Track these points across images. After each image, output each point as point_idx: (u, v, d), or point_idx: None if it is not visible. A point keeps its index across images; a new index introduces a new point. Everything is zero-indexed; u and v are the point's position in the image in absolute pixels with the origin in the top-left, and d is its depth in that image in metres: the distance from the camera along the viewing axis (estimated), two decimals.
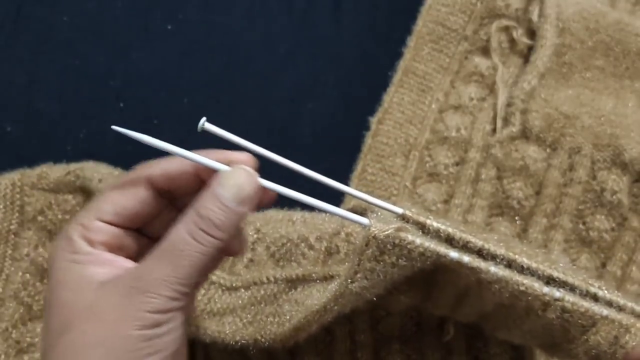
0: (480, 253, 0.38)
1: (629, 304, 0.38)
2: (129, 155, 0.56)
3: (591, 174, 0.53)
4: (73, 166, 0.54)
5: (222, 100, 0.59)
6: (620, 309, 0.38)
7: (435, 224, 0.39)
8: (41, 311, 0.53)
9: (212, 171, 0.42)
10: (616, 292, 0.38)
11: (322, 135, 0.57)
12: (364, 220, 0.39)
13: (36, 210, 0.53)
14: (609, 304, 0.38)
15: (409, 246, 0.37)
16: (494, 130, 0.55)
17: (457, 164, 0.54)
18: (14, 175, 0.54)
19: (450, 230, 0.38)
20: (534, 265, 0.38)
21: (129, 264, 0.42)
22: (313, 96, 0.58)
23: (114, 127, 0.43)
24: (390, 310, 0.49)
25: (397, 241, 0.37)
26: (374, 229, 0.38)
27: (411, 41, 0.57)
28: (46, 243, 0.53)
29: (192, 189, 0.43)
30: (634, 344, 0.38)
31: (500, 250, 0.38)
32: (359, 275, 0.39)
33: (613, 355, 0.38)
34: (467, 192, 0.54)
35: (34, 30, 0.60)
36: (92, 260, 0.42)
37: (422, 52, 0.57)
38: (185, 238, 0.40)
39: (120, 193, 0.43)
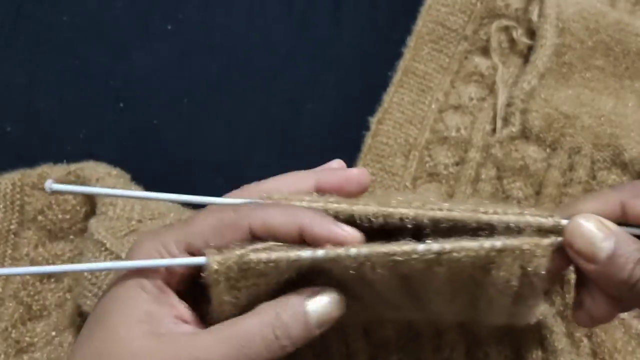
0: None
1: (529, 219, 0.36)
2: (129, 156, 0.57)
3: (591, 174, 0.53)
4: (74, 166, 0.54)
5: (222, 100, 0.59)
6: (520, 230, 0.36)
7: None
8: (41, 311, 0.53)
9: (321, 238, 0.39)
10: (515, 209, 0.37)
11: (322, 135, 0.58)
12: (200, 260, 0.38)
13: (36, 210, 0.54)
14: (507, 229, 0.36)
15: (258, 267, 0.37)
16: (494, 130, 0.55)
17: (457, 164, 0.55)
18: (15, 175, 0.54)
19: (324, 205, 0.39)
20: (411, 213, 0.37)
21: (188, 315, 0.41)
22: (313, 96, 0.59)
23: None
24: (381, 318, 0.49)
25: (243, 266, 0.37)
26: (213, 265, 0.37)
27: (411, 41, 0.58)
28: (46, 243, 0.54)
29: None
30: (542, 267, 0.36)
31: (372, 209, 0.38)
32: (224, 307, 0.39)
33: (535, 278, 0.37)
34: (467, 192, 0.54)
35: (33, 30, 0.60)
36: (156, 297, 0.40)
37: (422, 52, 0.57)
38: (259, 335, 0.38)
39: (217, 233, 0.40)
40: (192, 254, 0.40)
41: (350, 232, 0.39)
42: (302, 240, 0.40)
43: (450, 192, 0.54)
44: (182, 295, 0.42)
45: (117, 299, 0.40)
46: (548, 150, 0.54)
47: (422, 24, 0.58)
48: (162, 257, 0.40)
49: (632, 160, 0.52)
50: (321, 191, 0.42)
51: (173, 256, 0.40)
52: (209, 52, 0.60)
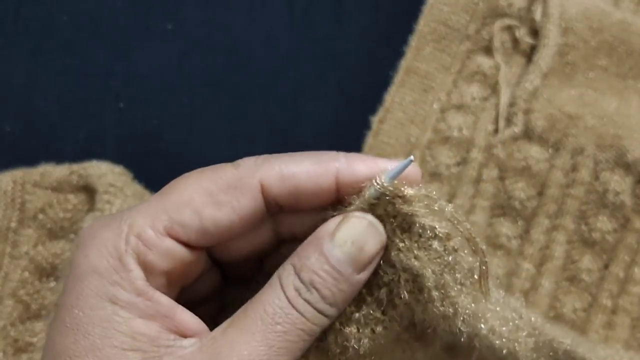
0: None
1: None
2: (129, 156, 0.57)
3: (594, 175, 0.54)
4: (76, 166, 0.55)
5: (222, 100, 0.59)
6: None
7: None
8: (40, 310, 0.53)
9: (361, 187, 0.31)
10: None
11: (323, 134, 0.58)
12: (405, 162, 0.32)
13: (37, 209, 0.54)
14: None
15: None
16: (496, 130, 0.55)
17: (458, 164, 0.55)
18: (16, 173, 0.55)
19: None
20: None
21: (192, 324, 0.31)
22: (314, 96, 0.59)
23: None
24: None
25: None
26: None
27: (413, 40, 0.58)
28: (46, 241, 0.54)
29: (320, 207, 0.32)
30: None
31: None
32: None
33: None
34: (468, 192, 0.54)
35: (33, 30, 0.61)
36: (142, 309, 0.30)
37: (424, 51, 0.58)
38: (284, 306, 0.29)
39: (214, 199, 0.30)
40: (176, 237, 0.30)
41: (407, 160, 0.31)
42: (336, 195, 0.31)
43: (452, 192, 0.55)
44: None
45: (83, 322, 0.29)
46: (551, 150, 0.54)
47: (424, 23, 0.58)
48: (129, 247, 0.30)
49: (635, 161, 0.53)
50: (342, 191, 0.32)
51: (147, 244, 0.30)
52: (209, 51, 0.60)
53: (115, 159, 0.56)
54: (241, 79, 0.60)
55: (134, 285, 0.30)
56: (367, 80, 0.59)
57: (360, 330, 0.33)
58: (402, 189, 0.32)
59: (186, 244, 0.31)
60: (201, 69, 0.60)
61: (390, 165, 0.31)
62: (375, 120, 0.57)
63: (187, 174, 0.32)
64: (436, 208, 0.32)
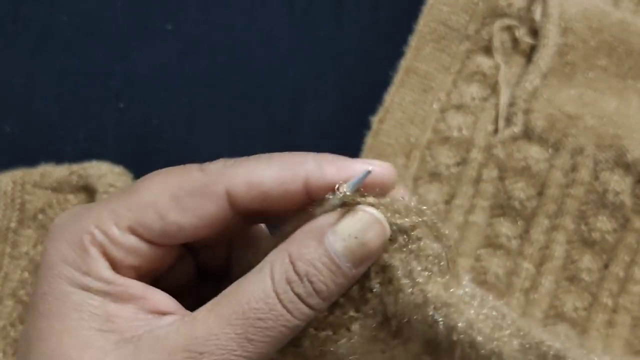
0: None
1: None
2: (129, 156, 0.57)
3: (594, 175, 0.54)
4: (76, 166, 0.55)
5: (222, 100, 0.60)
6: None
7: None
8: None
9: (331, 189, 0.31)
10: None
11: (323, 134, 0.59)
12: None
13: (37, 209, 0.54)
14: None
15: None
16: (496, 130, 0.55)
17: (458, 164, 0.55)
18: (16, 173, 0.55)
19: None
20: None
21: (168, 304, 0.31)
22: (314, 96, 0.59)
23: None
24: None
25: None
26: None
27: (413, 40, 0.58)
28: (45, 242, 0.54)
29: (293, 211, 0.31)
30: None
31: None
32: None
33: None
34: (468, 192, 0.55)
35: (33, 30, 0.61)
36: (114, 294, 0.30)
37: (424, 51, 0.58)
38: (270, 302, 0.29)
39: (178, 204, 0.30)
40: (140, 235, 0.30)
41: (382, 164, 0.31)
42: (307, 199, 0.31)
43: (452, 192, 0.55)
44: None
45: (56, 307, 0.29)
46: (550, 150, 0.54)
47: (424, 23, 0.58)
48: (96, 243, 0.30)
49: (635, 161, 0.53)
50: (313, 195, 0.31)
51: (112, 240, 0.30)
52: (209, 51, 0.60)
53: (115, 159, 0.56)
54: (241, 79, 0.60)
55: (102, 275, 0.30)
56: (367, 80, 0.59)
57: (336, 332, 0.32)
58: (364, 198, 0.31)
59: (150, 242, 0.31)
60: (201, 69, 0.60)
61: (364, 167, 0.31)
62: (375, 120, 0.57)
63: (154, 173, 0.32)
64: (400, 207, 0.32)
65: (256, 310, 0.29)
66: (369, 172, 0.31)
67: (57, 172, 0.55)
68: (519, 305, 0.52)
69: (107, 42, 0.61)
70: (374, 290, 0.32)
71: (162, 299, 0.31)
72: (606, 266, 0.53)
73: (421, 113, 0.57)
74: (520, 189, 0.54)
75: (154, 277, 0.33)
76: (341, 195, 0.31)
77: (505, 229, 0.54)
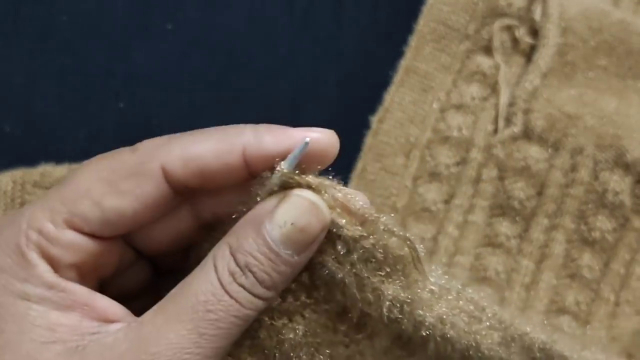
0: None
1: None
2: None
3: (593, 175, 0.54)
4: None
5: (222, 100, 0.60)
6: None
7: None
8: None
9: (272, 161, 0.30)
10: None
11: None
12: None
13: None
14: None
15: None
16: (496, 130, 0.56)
17: (458, 163, 0.56)
18: (16, 173, 0.55)
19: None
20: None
21: (115, 311, 0.29)
22: (314, 95, 0.60)
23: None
24: None
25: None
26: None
27: (412, 40, 0.58)
28: None
29: (235, 185, 0.30)
30: None
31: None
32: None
33: None
34: (468, 192, 0.55)
35: (33, 30, 0.61)
36: (56, 301, 0.28)
37: (424, 51, 0.58)
38: (217, 293, 0.28)
39: (114, 188, 0.29)
40: (78, 228, 0.28)
41: (322, 130, 0.30)
42: (247, 173, 0.29)
43: (451, 192, 0.55)
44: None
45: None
46: (550, 150, 0.55)
47: (424, 23, 0.58)
48: (30, 242, 0.28)
49: (635, 161, 0.53)
50: (252, 167, 0.30)
51: (48, 238, 0.28)
52: (209, 51, 0.61)
53: None
54: (241, 79, 0.60)
55: (43, 280, 0.28)
56: (367, 80, 0.59)
57: (292, 320, 0.32)
58: (305, 177, 0.31)
59: (91, 235, 0.29)
60: (201, 69, 0.60)
61: (302, 136, 0.30)
62: (374, 119, 0.57)
63: (85, 162, 0.30)
64: (345, 200, 0.32)
65: (205, 303, 0.28)
66: (306, 143, 0.30)
67: (57, 171, 0.55)
68: (520, 300, 0.52)
69: (107, 42, 0.61)
70: (322, 278, 0.32)
71: (108, 305, 0.29)
72: (606, 265, 0.53)
73: (421, 113, 0.57)
74: (519, 189, 0.54)
75: (100, 281, 0.31)
76: (279, 174, 0.30)
77: (505, 228, 0.54)
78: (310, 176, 0.31)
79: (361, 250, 0.32)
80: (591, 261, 0.53)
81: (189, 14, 0.61)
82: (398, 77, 0.58)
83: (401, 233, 0.32)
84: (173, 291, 0.29)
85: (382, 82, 0.58)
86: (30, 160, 0.56)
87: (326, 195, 0.31)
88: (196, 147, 0.29)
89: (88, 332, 0.28)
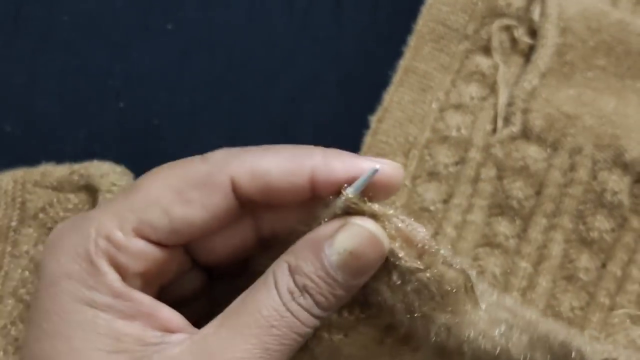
0: None
1: None
2: (129, 156, 0.58)
3: (592, 175, 0.54)
4: (77, 166, 0.55)
5: (222, 100, 0.60)
6: None
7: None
8: None
9: (339, 185, 0.31)
10: None
11: (323, 134, 0.59)
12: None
13: (37, 208, 0.55)
14: None
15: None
16: (495, 129, 0.56)
17: (457, 163, 0.56)
18: (17, 172, 0.55)
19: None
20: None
21: (176, 321, 0.29)
22: (313, 95, 0.60)
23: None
24: None
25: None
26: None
27: (412, 40, 0.58)
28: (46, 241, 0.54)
29: (298, 204, 0.31)
30: None
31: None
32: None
33: None
34: (466, 191, 0.55)
35: (33, 29, 0.61)
36: (122, 310, 0.28)
37: (423, 51, 0.58)
38: (280, 310, 0.28)
39: (183, 197, 0.29)
40: (147, 237, 0.29)
41: (390, 163, 0.30)
42: (312, 194, 0.30)
43: (450, 191, 0.55)
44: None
45: (60, 327, 0.28)
46: (549, 150, 0.55)
47: (423, 23, 0.59)
48: (99, 250, 0.28)
49: (633, 161, 0.54)
50: (318, 190, 0.31)
51: (117, 246, 0.28)
52: (209, 51, 0.61)
53: (116, 158, 0.57)
54: (241, 79, 0.60)
55: (111, 288, 0.28)
56: (366, 80, 0.60)
57: (347, 334, 0.33)
58: (369, 204, 0.32)
59: (158, 244, 0.30)
60: (201, 69, 0.61)
61: (371, 165, 0.31)
62: (374, 119, 0.57)
63: (154, 170, 0.31)
64: (406, 230, 0.32)
65: (269, 318, 0.28)
66: (375, 170, 0.31)
67: (57, 171, 0.55)
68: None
69: (107, 42, 0.61)
70: (373, 299, 0.33)
71: (170, 315, 0.30)
72: (604, 265, 0.53)
73: (420, 112, 0.57)
74: (518, 189, 0.54)
75: (160, 287, 0.32)
76: (344, 199, 0.31)
77: (503, 228, 0.54)
78: (376, 205, 0.32)
79: (416, 282, 0.32)
80: (588, 262, 0.53)
81: (189, 14, 0.62)
82: (397, 77, 0.58)
83: (458, 267, 0.33)
84: (234, 304, 0.29)
85: (381, 82, 0.58)
86: (30, 159, 0.56)
87: (388, 224, 0.32)
88: (266, 163, 0.30)
89: (151, 343, 0.28)
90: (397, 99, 0.57)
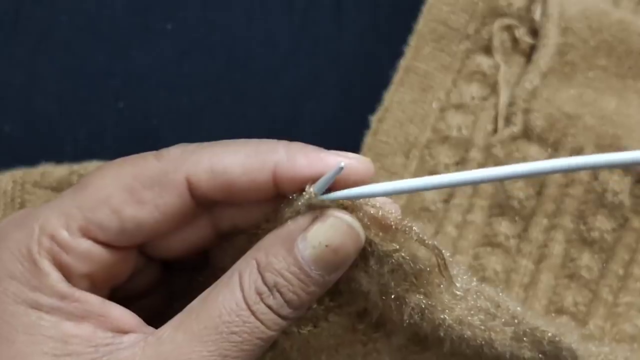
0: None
1: None
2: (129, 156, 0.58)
3: (593, 175, 0.54)
4: (76, 166, 0.55)
5: (222, 100, 0.60)
6: None
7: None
8: None
9: (303, 182, 0.29)
10: None
11: (323, 134, 0.59)
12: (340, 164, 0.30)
13: None
14: None
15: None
16: (496, 129, 0.56)
17: (457, 163, 0.56)
18: (16, 173, 0.55)
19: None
20: None
21: (128, 321, 0.28)
22: (313, 95, 0.60)
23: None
24: None
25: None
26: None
27: (412, 40, 0.59)
28: None
29: (260, 202, 0.29)
30: None
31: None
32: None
33: None
34: (467, 191, 0.55)
35: (32, 30, 0.61)
36: (69, 312, 0.26)
37: (424, 51, 0.58)
38: (243, 314, 0.26)
39: (134, 197, 0.27)
40: (94, 237, 0.27)
41: (357, 157, 0.29)
42: (275, 191, 0.28)
43: (450, 191, 0.55)
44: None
45: (4, 330, 0.26)
46: (550, 150, 0.55)
47: (424, 22, 0.59)
48: (42, 249, 0.26)
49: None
50: (281, 186, 0.29)
51: (62, 245, 0.26)
52: (209, 51, 0.61)
53: (115, 158, 0.56)
54: (241, 79, 0.60)
55: (55, 289, 0.27)
56: (367, 79, 0.60)
57: (317, 325, 0.32)
58: (337, 200, 0.31)
59: (107, 245, 0.28)
60: (201, 69, 0.61)
61: (337, 161, 0.29)
62: (374, 119, 0.57)
63: (104, 165, 0.29)
64: (378, 215, 0.32)
65: (229, 324, 0.26)
66: (340, 168, 0.29)
67: (57, 171, 0.55)
68: (518, 300, 0.52)
69: (107, 42, 0.61)
70: (345, 286, 0.33)
71: (121, 315, 0.28)
72: (605, 265, 0.54)
73: (421, 112, 0.57)
74: (519, 189, 0.54)
75: (111, 287, 0.30)
76: (307, 197, 0.30)
77: (504, 228, 0.54)
78: (343, 195, 0.31)
79: (391, 262, 0.32)
80: (590, 261, 0.53)
81: (189, 14, 0.62)
82: (398, 76, 0.58)
83: (430, 242, 0.33)
84: (194, 304, 0.28)
85: (381, 82, 0.58)
86: (30, 160, 0.56)
87: (360, 214, 0.31)
88: (225, 161, 0.28)
89: (102, 344, 0.27)
90: (397, 98, 0.58)
